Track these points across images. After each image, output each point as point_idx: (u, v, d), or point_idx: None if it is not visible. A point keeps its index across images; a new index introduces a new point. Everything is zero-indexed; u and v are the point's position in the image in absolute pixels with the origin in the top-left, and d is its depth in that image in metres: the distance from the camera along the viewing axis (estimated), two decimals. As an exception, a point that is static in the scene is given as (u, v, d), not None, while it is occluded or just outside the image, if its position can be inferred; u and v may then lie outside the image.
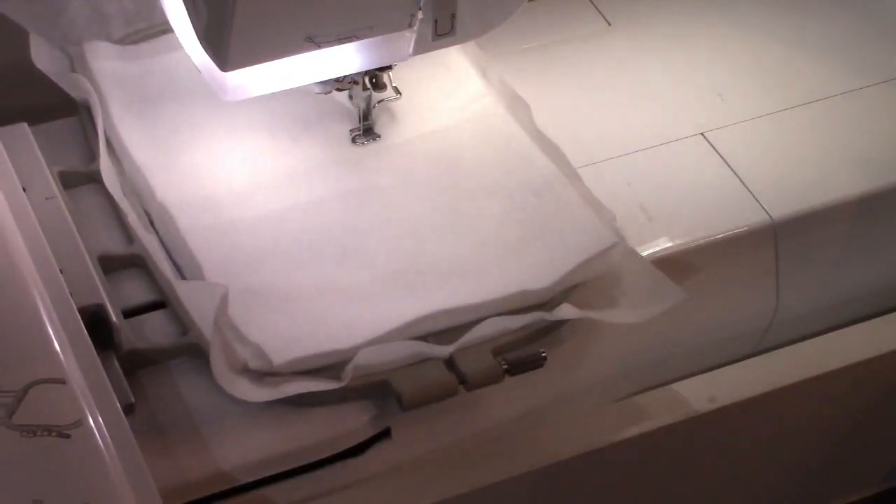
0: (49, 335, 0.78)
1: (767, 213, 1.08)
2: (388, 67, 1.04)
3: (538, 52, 1.22)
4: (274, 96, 1.04)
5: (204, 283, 0.95)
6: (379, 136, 1.07)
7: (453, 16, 0.98)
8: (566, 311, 0.95)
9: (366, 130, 1.07)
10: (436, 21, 0.98)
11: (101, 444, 0.72)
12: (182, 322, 0.95)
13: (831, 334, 1.07)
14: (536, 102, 1.10)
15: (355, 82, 1.04)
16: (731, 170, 1.11)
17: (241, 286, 0.95)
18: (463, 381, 0.92)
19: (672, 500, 1.07)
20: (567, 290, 0.98)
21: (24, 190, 0.96)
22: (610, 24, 1.26)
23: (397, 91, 1.06)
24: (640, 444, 0.96)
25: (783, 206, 1.08)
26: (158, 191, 1.02)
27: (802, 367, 1.02)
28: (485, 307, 0.95)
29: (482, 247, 1.00)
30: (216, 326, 0.89)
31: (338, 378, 0.90)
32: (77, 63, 1.11)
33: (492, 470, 0.93)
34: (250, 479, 0.88)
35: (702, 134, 1.14)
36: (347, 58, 0.99)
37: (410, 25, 0.97)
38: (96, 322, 0.90)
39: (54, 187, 1.01)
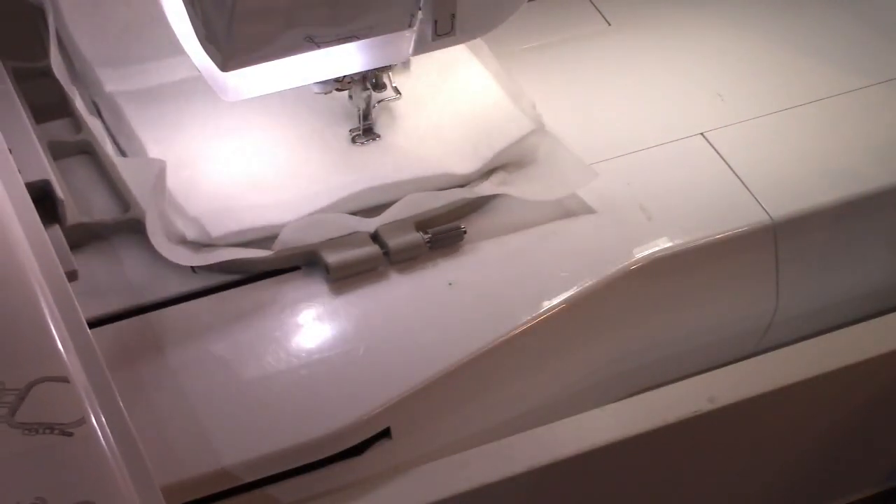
0: (52, 333, 0.78)
1: (767, 213, 1.08)
2: (388, 67, 1.04)
3: (538, 52, 1.22)
4: (273, 96, 1.04)
5: (143, 159, 1.01)
6: (379, 136, 1.07)
7: (453, 16, 0.98)
8: (485, 188, 1.04)
9: (366, 130, 1.07)
10: (436, 21, 0.98)
11: (104, 443, 0.72)
12: (125, 200, 1.01)
13: (831, 334, 1.06)
14: (536, 102, 1.10)
15: (355, 82, 1.04)
16: (731, 170, 1.11)
17: (183, 168, 1.01)
18: (386, 252, 0.99)
19: (672, 499, 1.06)
20: (489, 172, 1.06)
21: None
22: (610, 24, 1.26)
23: (397, 91, 1.06)
24: (641, 444, 0.96)
25: (783, 206, 1.08)
26: (107, 83, 1.07)
27: (802, 367, 1.02)
28: (410, 184, 1.02)
29: (411, 133, 1.06)
30: (153, 194, 0.94)
31: (269, 249, 0.98)
32: None
33: (492, 470, 0.93)
34: (251, 478, 0.88)
35: (702, 134, 1.14)
36: (347, 58, 0.99)
37: (410, 25, 0.97)
38: (43, 197, 0.95)
39: (5, 76, 1.05)
